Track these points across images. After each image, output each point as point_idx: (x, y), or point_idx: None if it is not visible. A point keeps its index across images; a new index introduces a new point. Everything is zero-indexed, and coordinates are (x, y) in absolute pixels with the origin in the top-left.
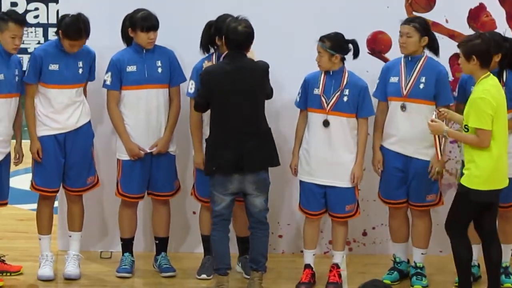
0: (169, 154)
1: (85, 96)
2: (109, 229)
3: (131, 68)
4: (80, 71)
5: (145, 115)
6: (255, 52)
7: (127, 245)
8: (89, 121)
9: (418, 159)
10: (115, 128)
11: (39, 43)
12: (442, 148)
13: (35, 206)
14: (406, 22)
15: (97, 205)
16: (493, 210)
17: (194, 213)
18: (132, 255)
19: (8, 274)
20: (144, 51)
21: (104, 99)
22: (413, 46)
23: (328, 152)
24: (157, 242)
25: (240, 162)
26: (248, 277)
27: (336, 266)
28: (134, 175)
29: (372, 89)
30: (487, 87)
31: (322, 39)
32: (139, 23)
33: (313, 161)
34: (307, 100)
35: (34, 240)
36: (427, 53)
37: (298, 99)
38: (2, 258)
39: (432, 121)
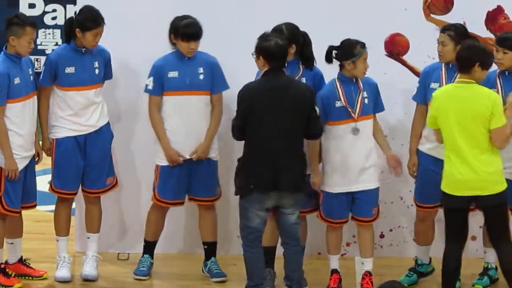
0: (210, 160)
1: None
2: (126, 230)
3: (173, 74)
4: (97, 71)
5: (185, 121)
6: None
7: (149, 247)
8: (108, 122)
9: None
10: (155, 133)
11: (56, 44)
12: None
13: (52, 207)
14: (442, 30)
15: (115, 207)
16: (460, 216)
17: None
18: (152, 258)
19: (30, 278)
20: (186, 58)
21: (122, 101)
22: (449, 54)
23: (360, 158)
24: (205, 247)
25: (276, 180)
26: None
27: (369, 273)
28: (171, 181)
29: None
30: (442, 89)
31: (365, 44)
32: (181, 31)
33: (344, 170)
34: (328, 115)
35: (51, 242)
36: None
37: None
38: (26, 262)
39: None
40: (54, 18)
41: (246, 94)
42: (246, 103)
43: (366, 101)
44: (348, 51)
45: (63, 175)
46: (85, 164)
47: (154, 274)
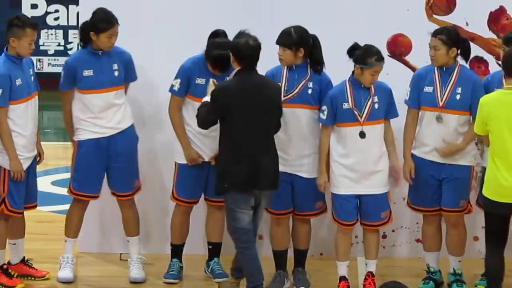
0: None
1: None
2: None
3: (200, 81)
4: (116, 73)
5: None
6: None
7: (176, 250)
8: (132, 124)
9: (450, 165)
10: (175, 132)
11: (59, 45)
12: None
13: (54, 208)
14: (433, 34)
15: (116, 207)
16: (500, 222)
17: None
18: (181, 261)
19: (33, 278)
20: None
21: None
22: (442, 58)
23: (367, 163)
24: (210, 247)
25: (257, 178)
26: None
27: (371, 274)
28: (189, 180)
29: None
30: (490, 95)
31: (382, 58)
32: (210, 59)
33: (352, 173)
34: (335, 116)
35: (53, 242)
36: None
37: (324, 117)
38: (28, 262)
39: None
40: (56, 19)
41: (221, 94)
42: (221, 102)
43: (376, 106)
44: (362, 56)
45: (82, 177)
46: (111, 167)
47: (156, 275)
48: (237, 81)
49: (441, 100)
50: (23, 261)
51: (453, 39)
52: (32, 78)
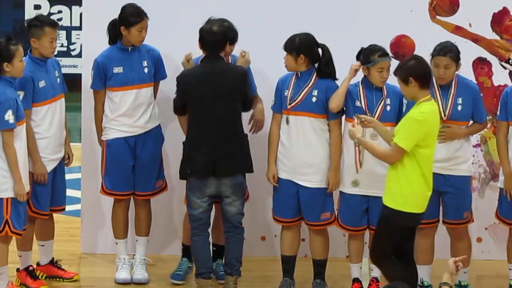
0: None
1: (155, 97)
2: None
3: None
4: (146, 70)
5: None
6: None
7: (186, 250)
8: (159, 125)
9: (451, 175)
10: (184, 134)
11: (62, 46)
12: (359, 157)
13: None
14: (443, 53)
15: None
16: (414, 233)
17: None
18: (190, 261)
19: (61, 279)
20: None
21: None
22: (451, 76)
23: (377, 164)
24: (214, 248)
25: (214, 166)
26: None
27: (376, 279)
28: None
29: None
30: (425, 111)
31: (386, 54)
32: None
33: (361, 173)
34: (347, 112)
35: (59, 243)
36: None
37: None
38: (57, 263)
39: (353, 126)
40: (59, 20)
41: (182, 81)
42: (183, 89)
43: (388, 108)
44: (365, 56)
45: (114, 177)
46: (135, 166)
47: (159, 276)
48: (199, 68)
49: (445, 115)
50: (52, 262)
51: (458, 54)
52: (58, 80)
